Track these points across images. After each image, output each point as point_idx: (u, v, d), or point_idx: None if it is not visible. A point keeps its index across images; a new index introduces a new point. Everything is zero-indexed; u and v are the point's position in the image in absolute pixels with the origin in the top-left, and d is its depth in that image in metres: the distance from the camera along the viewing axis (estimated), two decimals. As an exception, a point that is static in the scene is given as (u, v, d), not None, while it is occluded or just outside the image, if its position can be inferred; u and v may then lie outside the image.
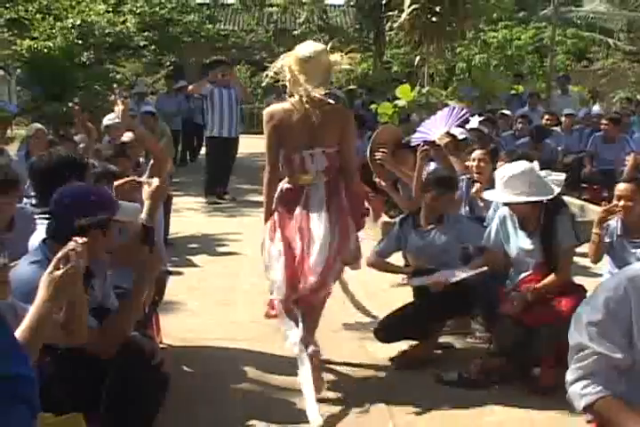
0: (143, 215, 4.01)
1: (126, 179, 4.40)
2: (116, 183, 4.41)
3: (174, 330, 5.43)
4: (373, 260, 5.66)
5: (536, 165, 4.92)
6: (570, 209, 4.97)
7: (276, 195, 4.92)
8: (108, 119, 9.87)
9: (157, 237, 4.19)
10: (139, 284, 3.54)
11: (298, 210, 4.80)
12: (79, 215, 3.32)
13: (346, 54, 4.81)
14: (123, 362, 3.27)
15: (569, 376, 2.50)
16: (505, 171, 4.85)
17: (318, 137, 4.75)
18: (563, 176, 4.95)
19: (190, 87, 12.75)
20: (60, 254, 2.83)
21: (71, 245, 2.85)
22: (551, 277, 4.76)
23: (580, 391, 2.45)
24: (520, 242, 4.92)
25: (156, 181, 4.17)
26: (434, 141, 6.67)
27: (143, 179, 4.45)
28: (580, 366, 2.46)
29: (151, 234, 3.97)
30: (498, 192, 4.87)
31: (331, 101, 4.74)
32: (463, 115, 6.77)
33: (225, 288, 7.03)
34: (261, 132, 4.89)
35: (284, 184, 4.92)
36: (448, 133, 6.64)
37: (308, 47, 4.76)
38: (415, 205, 5.95)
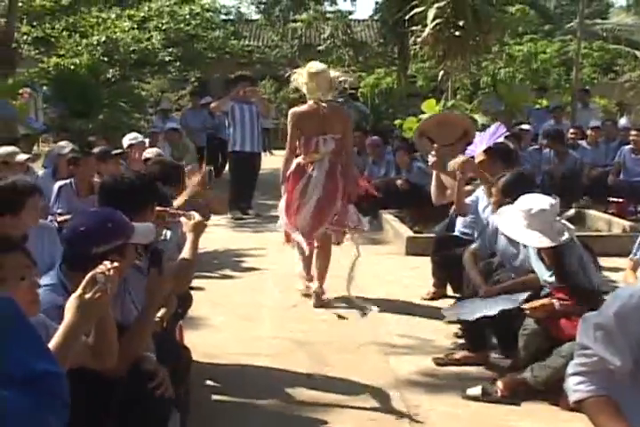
0: (185, 254, 4.02)
1: (159, 208, 4.39)
2: (157, 209, 4.40)
3: (197, 345, 5.45)
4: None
5: (555, 203, 4.90)
6: (578, 248, 4.92)
7: (292, 167, 6.90)
8: (129, 139, 9.92)
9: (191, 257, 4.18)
10: (148, 305, 3.53)
11: (305, 176, 6.83)
12: (96, 244, 3.28)
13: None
14: (132, 382, 3.25)
15: (569, 369, 2.54)
16: (526, 203, 4.86)
17: (327, 127, 6.79)
18: (570, 226, 4.94)
19: (213, 105, 12.84)
20: (88, 277, 2.82)
21: (101, 268, 2.87)
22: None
23: (574, 387, 2.49)
24: (542, 271, 4.98)
25: (197, 216, 4.19)
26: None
27: (177, 211, 4.44)
28: (580, 362, 2.49)
29: (160, 256, 4.00)
30: (515, 225, 4.86)
31: (334, 103, 6.90)
32: (502, 133, 6.76)
33: (248, 304, 7.05)
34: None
35: (299, 160, 6.92)
36: (485, 151, 6.63)
37: (316, 65, 6.83)
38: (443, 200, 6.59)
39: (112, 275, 2.85)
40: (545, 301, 4.79)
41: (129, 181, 4.12)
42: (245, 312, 6.77)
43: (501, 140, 6.72)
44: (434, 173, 6.99)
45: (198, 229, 4.13)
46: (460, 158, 6.42)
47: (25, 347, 2.09)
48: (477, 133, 7.04)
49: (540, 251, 4.97)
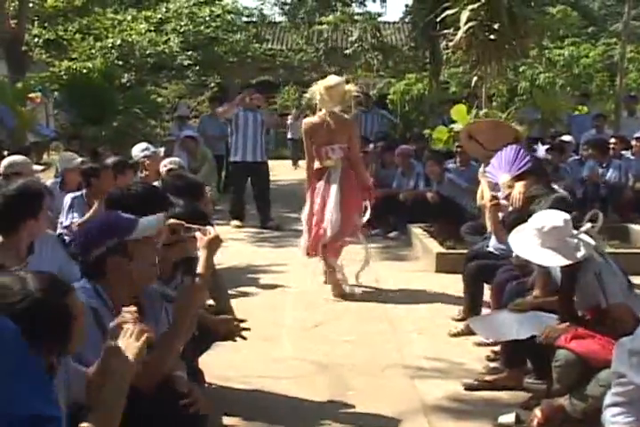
0: (199, 269, 4.07)
1: (174, 221, 4.44)
2: (169, 222, 4.46)
3: (214, 366, 5.48)
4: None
5: (569, 218, 4.92)
6: (596, 265, 4.92)
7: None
8: (141, 149, 9.85)
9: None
10: (180, 318, 3.59)
11: (322, 182, 7.92)
12: (91, 248, 3.45)
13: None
14: (161, 398, 3.31)
15: (606, 400, 2.54)
16: (540, 220, 4.88)
17: (334, 137, 7.82)
18: (590, 241, 4.94)
19: (219, 110, 13.03)
20: (112, 325, 3.02)
21: (122, 318, 3.04)
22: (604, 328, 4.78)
23: (611, 418, 2.49)
24: None
25: (211, 230, 4.21)
26: None
27: (193, 225, 4.48)
28: (617, 391, 2.50)
29: (192, 265, 4.04)
30: (528, 245, 4.88)
31: (345, 115, 7.91)
32: (526, 163, 6.80)
33: (268, 322, 7.07)
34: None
35: (315, 165, 8.01)
36: (510, 181, 6.70)
37: (332, 79, 7.91)
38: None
39: (135, 317, 3.04)
40: (562, 327, 4.79)
41: (135, 193, 4.19)
42: (264, 332, 6.79)
43: (542, 154, 6.83)
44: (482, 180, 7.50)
45: (213, 245, 4.07)
46: (487, 200, 6.86)
47: (33, 389, 2.17)
48: (496, 156, 7.10)
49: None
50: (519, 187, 6.55)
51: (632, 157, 12.15)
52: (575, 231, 4.86)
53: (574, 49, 24.23)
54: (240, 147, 12.37)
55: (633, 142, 12.35)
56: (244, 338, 4.85)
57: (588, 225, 4.92)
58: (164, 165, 8.69)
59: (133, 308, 3.16)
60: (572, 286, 4.86)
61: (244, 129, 12.30)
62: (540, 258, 4.84)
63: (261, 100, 12.61)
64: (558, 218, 4.87)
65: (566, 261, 4.76)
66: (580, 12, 29.28)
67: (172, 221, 4.41)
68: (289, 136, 23.65)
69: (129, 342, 2.93)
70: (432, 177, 11.39)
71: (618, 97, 15.10)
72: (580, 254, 4.75)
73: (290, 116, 23.61)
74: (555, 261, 4.80)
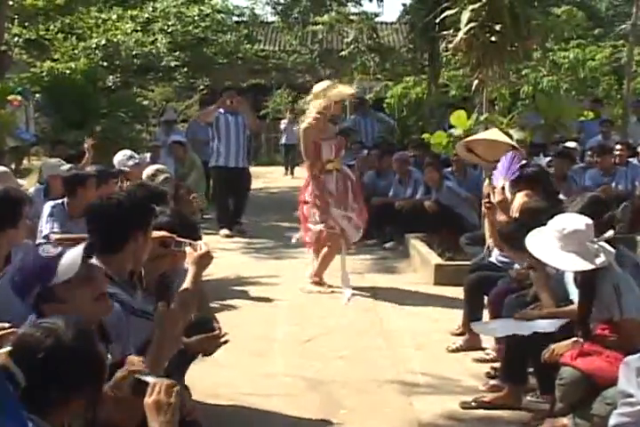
0: (186, 284, 4.06)
1: (162, 233, 4.43)
2: (160, 234, 4.44)
3: (202, 384, 5.49)
4: None
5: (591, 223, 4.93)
6: (616, 275, 4.93)
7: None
8: (125, 157, 9.85)
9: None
10: (157, 344, 3.58)
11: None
12: (24, 295, 3.36)
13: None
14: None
15: (612, 420, 2.55)
16: (561, 222, 4.90)
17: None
18: (610, 249, 4.95)
19: (197, 114, 13.15)
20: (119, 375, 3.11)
21: (132, 367, 3.15)
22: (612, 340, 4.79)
23: None
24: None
25: (202, 245, 4.20)
26: None
27: (184, 240, 4.48)
28: (623, 412, 2.51)
29: (167, 287, 4.04)
30: (547, 247, 4.88)
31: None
32: (517, 165, 6.93)
33: (258, 337, 7.10)
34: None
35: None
36: (503, 189, 6.80)
37: (322, 84, 9.11)
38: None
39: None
40: (567, 343, 4.80)
41: (116, 203, 4.17)
42: (254, 347, 6.82)
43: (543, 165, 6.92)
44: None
45: (203, 262, 4.06)
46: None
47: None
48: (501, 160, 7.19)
49: (576, 276, 4.99)
50: (520, 197, 6.61)
51: (639, 164, 12.16)
52: (595, 238, 4.87)
53: (580, 51, 24.28)
54: (222, 152, 12.46)
55: (639, 149, 12.37)
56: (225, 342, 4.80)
57: (610, 233, 4.93)
58: (149, 173, 8.70)
59: (137, 358, 3.20)
60: (591, 295, 4.83)
61: (226, 133, 12.39)
62: (560, 262, 4.82)
63: (242, 104, 12.67)
64: (580, 221, 4.86)
65: (587, 266, 4.74)
66: (587, 13, 29.35)
67: (163, 233, 4.42)
68: (282, 141, 23.40)
69: (161, 399, 2.91)
70: (430, 184, 11.41)
71: (625, 102, 15.13)
72: (599, 261, 4.73)
73: (284, 121, 23.51)
74: (574, 266, 4.79)
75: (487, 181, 7.89)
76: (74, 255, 3.47)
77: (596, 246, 4.79)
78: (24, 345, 2.58)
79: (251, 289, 9.01)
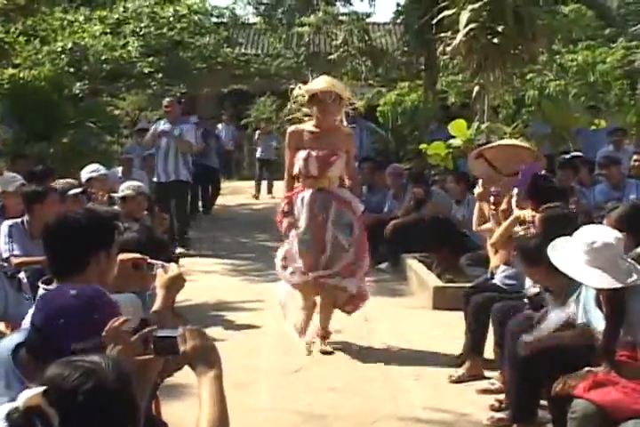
0: (155, 307, 4.05)
1: (134, 255, 4.44)
2: (120, 257, 4.45)
3: (180, 419, 5.49)
4: None
5: (622, 237, 4.94)
6: None
7: None
8: (89, 171, 9.98)
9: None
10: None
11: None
12: (76, 340, 3.19)
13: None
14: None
15: None
16: (590, 235, 4.91)
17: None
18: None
19: (143, 141, 13.26)
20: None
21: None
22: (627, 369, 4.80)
23: None
24: (599, 321, 4.97)
25: (174, 267, 4.19)
26: None
27: (156, 261, 4.49)
28: None
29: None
30: (573, 261, 4.88)
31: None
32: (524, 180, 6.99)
33: (243, 367, 7.09)
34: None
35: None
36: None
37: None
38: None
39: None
40: (580, 374, 4.81)
41: (74, 221, 4.17)
42: (238, 378, 6.81)
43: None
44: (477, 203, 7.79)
45: (175, 284, 4.04)
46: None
47: None
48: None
49: (599, 295, 5.00)
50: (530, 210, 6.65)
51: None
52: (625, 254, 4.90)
53: (589, 54, 24.35)
54: (161, 166, 12.70)
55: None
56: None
57: (639, 250, 4.95)
58: (122, 190, 8.75)
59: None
60: (620, 317, 4.80)
61: (166, 146, 12.55)
62: (585, 277, 4.79)
63: (173, 113, 12.78)
64: (610, 235, 4.88)
65: (615, 284, 4.73)
66: (597, 12, 29.49)
67: (135, 255, 4.43)
68: (257, 155, 21.71)
69: (198, 344, 3.10)
70: (453, 195, 11.26)
71: (639, 108, 15.19)
72: (631, 280, 4.74)
73: (258, 131, 22.37)
74: (600, 283, 4.77)
75: (478, 188, 7.94)
76: (132, 300, 3.72)
77: (627, 264, 4.80)
78: (61, 386, 2.55)
79: (234, 314, 9.03)
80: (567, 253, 4.91)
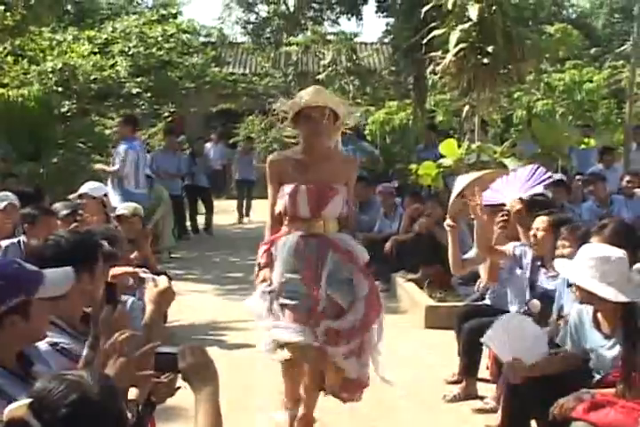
0: (144, 321, 4.05)
1: (127, 269, 4.46)
2: (112, 272, 4.46)
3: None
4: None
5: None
6: None
7: None
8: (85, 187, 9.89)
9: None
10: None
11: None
12: None
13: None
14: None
15: None
16: (598, 251, 4.94)
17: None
18: None
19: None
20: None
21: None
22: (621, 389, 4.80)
23: None
24: (597, 343, 4.98)
25: (164, 281, 4.18)
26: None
27: (147, 275, 4.50)
28: None
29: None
30: (583, 273, 4.89)
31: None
32: (544, 178, 6.92)
33: (237, 388, 7.09)
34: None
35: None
36: (521, 200, 6.78)
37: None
38: (467, 270, 6.38)
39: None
40: (577, 396, 4.78)
41: (54, 243, 4.19)
42: (234, 399, 6.80)
43: (540, 189, 6.90)
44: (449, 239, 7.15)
45: (164, 298, 4.01)
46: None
47: None
48: (508, 177, 7.22)
49: (596, 315, 5.03)
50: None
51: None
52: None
53: (576, 73, 24.51)
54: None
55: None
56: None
57: (639, 265, 4.97)
58: (119, 210, 8.76)
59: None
60: (637, 336, 4.79)
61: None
62: (605, 291, 4.77)
63: (121, 134, 12.82)
64: (616, 251, 4.90)
65: (631, 298, 4.77)
66: (582, 31, 29.70)
67: (125, 269, 4.45)
68: (236, 177, 21.18)
69: (198, 361, 3.16)
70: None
71: (627, 127, 15.26)
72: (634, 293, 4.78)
73: (238, 149, 21.88)
74: (617, 297, 4.77)
75: (455, 196, 7.35)
76: (64, 273, 3.65)
77: (638, 277, 4.84)
78: (47, 398, 2.59)
79: (227, 334, 9.03)
80: (577, 269, 4.91)
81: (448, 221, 7.17)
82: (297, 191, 5.79)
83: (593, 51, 30.67)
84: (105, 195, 9.70)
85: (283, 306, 5.78)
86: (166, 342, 5.25)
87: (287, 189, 5.83)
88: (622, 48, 27.08)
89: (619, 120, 23.41)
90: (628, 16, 38.79)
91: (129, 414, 3.17)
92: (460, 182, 7.24)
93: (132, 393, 4.14)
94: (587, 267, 4.83)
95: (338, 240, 5.90)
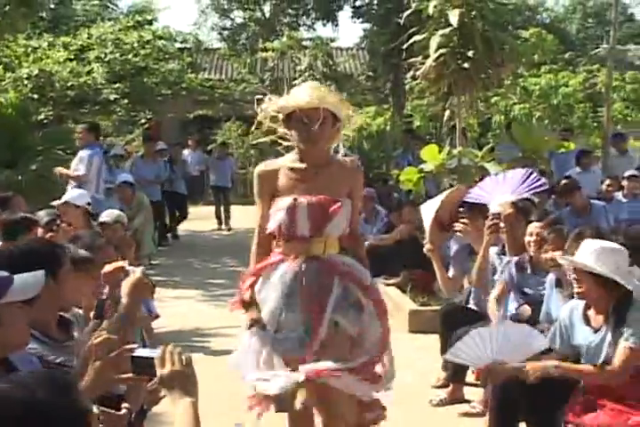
0: (119, 310, 4.05)
1: (115, 264, 4.50)
2: (105, 269, 4.50)
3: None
4: None
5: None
6: None
7: None
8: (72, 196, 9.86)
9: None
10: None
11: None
12: None
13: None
14: None
15: None
16: (601, 243, 5.05)
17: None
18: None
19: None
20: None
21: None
22: (596, 370, 4.88)
23: None
24: (587, 338, 5.03)
25: (138, 272, 4.18)
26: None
27: (130, 267, 4.54)
28: None
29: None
30: (588, 260, 4.97)
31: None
32: (538, 185, 6.98)
33: (223, 396, 7.07)
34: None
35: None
36: (514, 204, 6.83)
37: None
38: (458, 288, 6.38)
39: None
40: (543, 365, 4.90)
41: (7, 254, 4.18)
42: (226, 404, 6.79)
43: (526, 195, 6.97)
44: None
45: (135, 290, 4.02)
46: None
47: None
48: (497, 177, 7.27)
49: (585, 312, 5.08)
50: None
51: (623, 200, 12.30)
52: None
53: (552, 77, 24.66)
54: None
55: (624, 183, 12.50)
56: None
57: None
58: (102, 217, 8.75)
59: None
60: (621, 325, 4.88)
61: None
62: (611, 275, 4.86)
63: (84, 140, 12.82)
64: (618, 245, 5.05)
65: (628, 286, 4.86)
66: (557, 36, 29.89)
67: (114, 265, 4.48)
68: (211, 182, 20.55)
69: (177, 370, 3.06)
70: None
71: (605, 130, 15.34)
72: (634, 284, 4.89)
73: (214, 155, 21.19)
74: (622, 281, 4.87)
75: (429, 224, 7.31)
76: (34, 277, 3.56)
77: (637, 272, 4.93)
78: None
79: (211, 340, 9.01)
80: (583, 258, 4.99)
81: (427, 246, 7.30)
82: (296, 205, 4.93)
83: (567, 55, 30.85)
84: (88, 203, 9.66)
85: (274, 351, 4.97)
86: (150, 332, 5.28)
87: (283, 203, 4.96)
88: (595, 51, 27.27)
89: (594, 124, 23.56)
90: (602, 21, 39.13)
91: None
92: (427, 210, 7.29)
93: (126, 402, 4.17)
94: (592, 256, 4.92)
95: (340, 262, 5.07)
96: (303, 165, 5.04)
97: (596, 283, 4.90)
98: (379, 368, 5.19)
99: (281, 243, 5.07)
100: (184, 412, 3.00)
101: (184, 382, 3.07)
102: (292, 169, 5.06)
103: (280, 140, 5.20)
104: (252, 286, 5.13)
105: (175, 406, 3.01)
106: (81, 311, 4.61)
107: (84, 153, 12.35)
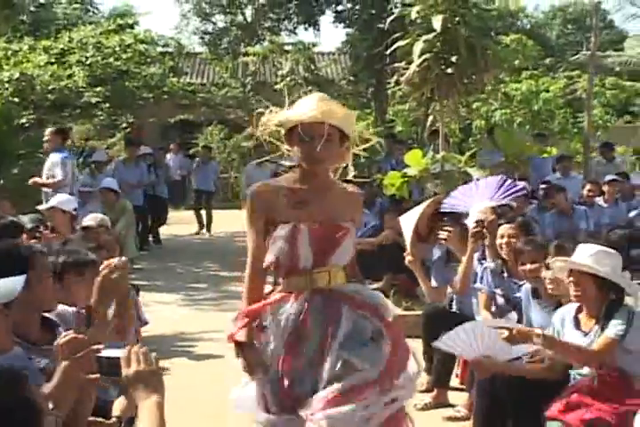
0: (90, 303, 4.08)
1: (107, 264, 4.49)
2: (103, 272, 4.50)
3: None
4: None
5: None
6: (630, 308, 5.10)
7: None
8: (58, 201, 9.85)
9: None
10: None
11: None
12: None
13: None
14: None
15: None
16: (596, 247, 5.15)
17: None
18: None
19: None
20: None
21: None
22: (575, 350, 4.99)
23: None
24: (576, 341, 5.08)
25: (115, 261, 4.28)
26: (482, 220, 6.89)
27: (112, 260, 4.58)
28: None
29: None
30: (585, 261, 5.06)
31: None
32: (515, 191, 7.04)
33: (207, 400, 7.06)
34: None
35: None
36: (494, 209, 6.88)
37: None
38: (443, 297, 6.43)
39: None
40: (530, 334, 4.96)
41: None
42: (208, 409, 6.79)
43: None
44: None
45: (104, 285, 4.16)
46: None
47: None
48: (470, 185, 7.32)
49: (577, 316, 5.15)
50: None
51: (604, 204, 12.38)
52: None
53: (533, 83, 24.75)
54: None
55: (605, 187, 12.59)
56: None
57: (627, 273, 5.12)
58: (85, 221, 8.74)
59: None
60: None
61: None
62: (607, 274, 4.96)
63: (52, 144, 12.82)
64: (612, 249, 5.13)
65: (624, 286, 4.99)
66: (537, 42, 30.04)
67: (110, 261, 4.50)
68: (194, 186, 20.25)
69: (143, 369, 3.03)
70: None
71: (586, 136, 15.41)
72: (633, 290, 5.02)
73: (197, 159, 20.84)
74: (619, 280, 4.99)
75: (409, 236, 7.29)
76: (13, 282, 3.62)
77: (628, 275, 5.01)
78: None
79: (195, 345, 9.00)
80: (580, 259, 5.09)
81: (408, 258, 7.33)
82: (296, 233, 4.37)
83: (547, 61, 31.01)
84: (75, 209, 9.66)
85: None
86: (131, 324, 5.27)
87: (282, 231, 4.37)
88: (575, 57, 27.38)
89: (575, 130, 23.66)
90: (582, 27, 39.33)
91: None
92: (407, 222, 7.33)
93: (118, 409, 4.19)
94: (590, 259, 5.02)
95: (351, 293, 4.49)
96: (305, 187, 4.48)
97: (594, 284, 5.00)
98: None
99: (279, 277, 4.53)
100: (149, 412, 2.97)
101: (149, 381, 3.04)
102: (291, 190, 4.48)
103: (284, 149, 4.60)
104: (245, 326, 4.56)
105: (140, 404, 2.99)
106: (73, 309, 4.60)
107: (55, 157, 12.32)
